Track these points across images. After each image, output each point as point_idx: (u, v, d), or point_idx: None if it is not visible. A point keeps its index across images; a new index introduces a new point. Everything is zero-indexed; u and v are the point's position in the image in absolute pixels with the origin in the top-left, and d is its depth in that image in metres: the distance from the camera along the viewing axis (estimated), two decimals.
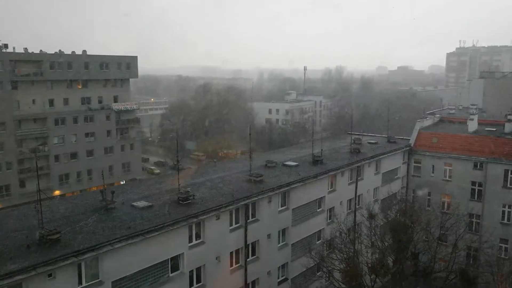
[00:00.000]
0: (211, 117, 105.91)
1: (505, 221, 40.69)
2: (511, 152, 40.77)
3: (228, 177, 31.21)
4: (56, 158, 68.30)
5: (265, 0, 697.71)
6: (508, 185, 40.43)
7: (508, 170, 40.46)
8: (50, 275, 17.83)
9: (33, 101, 66.18)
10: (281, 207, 30.77)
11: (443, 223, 33.67)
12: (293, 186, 30.78)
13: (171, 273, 23.23)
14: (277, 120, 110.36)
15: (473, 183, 42.40)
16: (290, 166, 34.59)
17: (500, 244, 40.15)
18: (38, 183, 20.57)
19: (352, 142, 41.86)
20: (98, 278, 19.82)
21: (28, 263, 17.25)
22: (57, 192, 65.93)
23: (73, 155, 70.46)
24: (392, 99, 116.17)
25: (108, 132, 75.26)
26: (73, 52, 72.80)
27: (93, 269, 19.70)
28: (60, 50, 71.83)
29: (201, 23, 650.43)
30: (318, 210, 34.66)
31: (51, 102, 68.23)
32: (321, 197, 34.72)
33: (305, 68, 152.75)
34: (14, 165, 63.26)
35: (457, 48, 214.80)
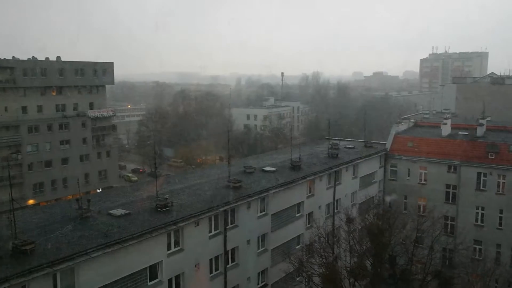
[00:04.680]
0: (189, 123, 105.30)
1: (478, 223, 41.70)
2: (483, 155, 41.89)
3: (206, 184, 31.05)
4: (30, 166, 66.67)
5: (241, 7, 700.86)
6: (481, 188, 41.47)
7: (480, 173, 41.52)
8: (24, 287, 17.34)
9: (6, 108, 64.58)
10: (260, 212, 30.78)
11: (419, 226, 34.24)
12: (272, 191, 30.83)
13: (150, 281, 22.90)
14: (256, 126, 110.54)
15: (448, 186, 43.34)
16: (269, 172, 34.65)
17: (474, 246, 41.09)
18: (11, 192, 20.18)
19: (330, 147, 42.27)
20: None
21: (1, 275, 16.76)
22: (31, 202, 64.31)
23: (48, 163, 68.89)
24: (368, 104, 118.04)
25: (84, 140, 73.92)
26: (47, 58, 71.49)
27: (69, 280, 19.24)
28: (33, 57, 70.49)
29: (178, 30, 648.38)
30: (297, 215, 34.79)
31: (24, 110, 66.69)
32: (300, 202, 34.88)
33: (282, 74, 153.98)
34: None
35: (430, 54, 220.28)
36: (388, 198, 42.86)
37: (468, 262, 34.31)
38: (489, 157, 41.36)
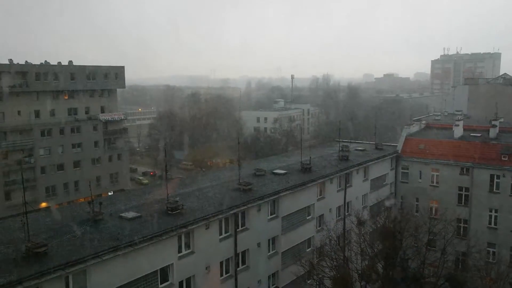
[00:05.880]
0: (199, 126, 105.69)
1: (492, 225, 41.18)
2: (496, 157, 41.38)
3: (217, 186, 31.11)
4: (43, 169, 67.43)
5: (250, 10, 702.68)
6: (494, 190, 40.96)
7: (493, 175, 41.02)
8: None
9: (19, 112, 65.43)
10: (271, 215, 30.72)
11: (431, 228, 33.90)
12: (282, 194, 30.78)
13: (161, 284, 22.97)
14: (266, 128, 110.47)
15: (460, 188, 42.88)
16: (279, 174, 34.60)
17: (488, 248, 40.59)
18: (24, 195, 20.33)
19: (340, 149, 42.08)
20: None
21: (14, 277, 16.95)
22: (43, 204, 64.89)
23: (60, 167, 69.63)
24: (379, 106, 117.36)
25: (95, 143, 74.61)
26: (59, 63, 72.28)
27: (81, 282, 19.38)
28: (46, 61, 71.34)
29: (188, 33, 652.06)
30: (307, 217, 34.67)
31: (37, 113, 67.56)
32: (310, 205, 34.75)
33: (292, 77, 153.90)
34: None
35: (441, 56, 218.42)
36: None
37: (482, 265, 33.80)
38: (503, 159, 40.85)
